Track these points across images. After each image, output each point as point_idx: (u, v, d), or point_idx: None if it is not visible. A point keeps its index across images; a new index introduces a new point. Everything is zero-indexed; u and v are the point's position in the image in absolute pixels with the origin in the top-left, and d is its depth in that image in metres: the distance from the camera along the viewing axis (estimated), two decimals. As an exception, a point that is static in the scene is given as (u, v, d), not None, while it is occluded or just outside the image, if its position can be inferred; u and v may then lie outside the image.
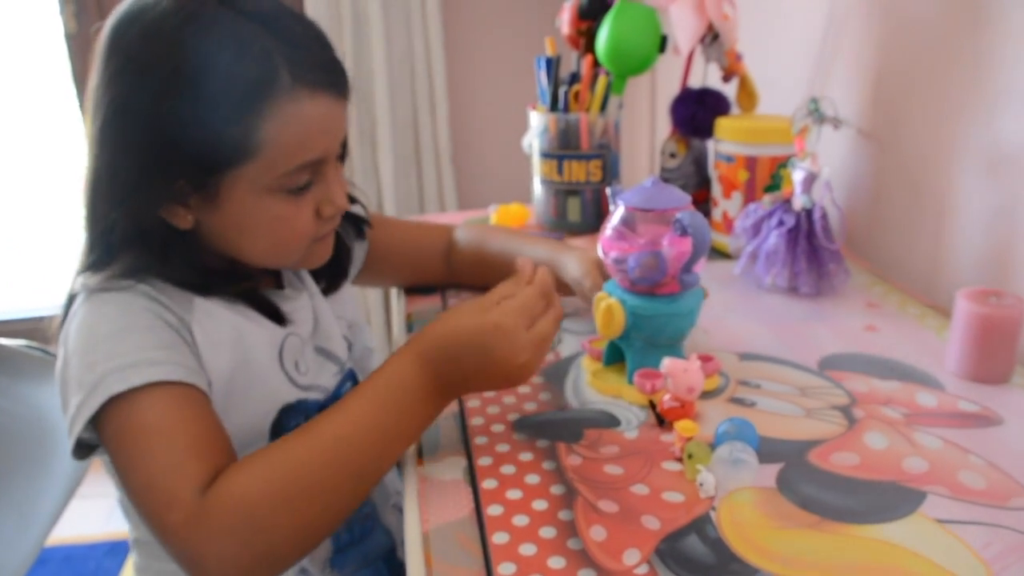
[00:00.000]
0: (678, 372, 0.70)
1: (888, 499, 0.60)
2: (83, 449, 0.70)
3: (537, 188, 1.34)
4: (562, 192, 1.30)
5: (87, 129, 0.70)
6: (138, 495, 0.62)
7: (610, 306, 0.75)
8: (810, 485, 0.62)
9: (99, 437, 0.66)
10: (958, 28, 0.97)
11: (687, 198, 0.75)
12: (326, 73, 0.71)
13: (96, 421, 0.65)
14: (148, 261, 0.71)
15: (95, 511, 2.25)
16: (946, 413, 0.73)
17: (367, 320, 2.46)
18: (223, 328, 0.74)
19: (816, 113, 1.01)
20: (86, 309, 0.69)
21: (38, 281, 2.75)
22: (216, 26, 0.66)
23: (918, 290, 1.04)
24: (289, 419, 0.78)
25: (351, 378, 0.88)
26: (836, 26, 1.22)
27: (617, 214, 0.77)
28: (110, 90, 0.68)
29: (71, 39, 2.35)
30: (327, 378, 0.84)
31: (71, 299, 0.72)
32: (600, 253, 0.80)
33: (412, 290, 1.08)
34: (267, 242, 0.74)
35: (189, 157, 0.67)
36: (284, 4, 0.72)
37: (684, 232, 0.72)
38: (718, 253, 1.18)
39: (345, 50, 2.27)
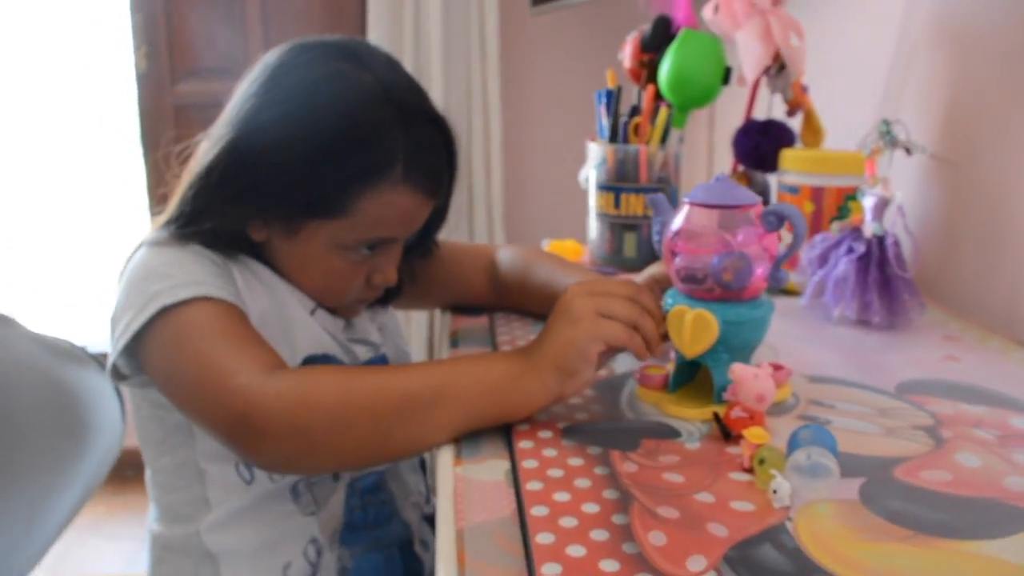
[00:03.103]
0: (748, 378, 0.64)
1: (991, 516, 0.53)
2: (117, 376, 0.77)
3: (592, 222, 1.29)
4: (618, 226, 1.25)
5: (219, 126, 0.78)
6: (198, 375, 0.67)
7: (700, 316, 0.67)
8: (898, 500, 0.55)
9: (143, 356, 0.71)
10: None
11: (757, 196, 0.70)
12: (432, 180, 0.79)
13: (141, 341, 0.70)
14: (213, 243, 0.77)
15: (118, 552, 2.21)
16: (1046, 437, 0.65)
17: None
18: (261, 277, 0.79)
19: (888, 135, 0.96)
20: (144, 253, 0.76)
21: (92, 310, 2.75)
22: (363, 104, 0.74)
23: (1000, 327, 0.96)
24: None
25: (383, 360, 0.89)
26: (905, 56, 1.18)
27: (681, 214, 0.71)
28: (254, 112, 0.75)
29: (142, 78, 2.41)
30: (360, 351, 0.86)
31: (136, 249, 0.78)
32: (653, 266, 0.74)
33: (458, 310, 1.03)
34: (319, 285, 0.81)
35: (293, 198, 0.75)
36: (431, 103, 0.80)
37: (778, 225, 0.67)
38: (782, 291, 1.12)
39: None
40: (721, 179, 0.71)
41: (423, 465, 0.94)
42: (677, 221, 0.71)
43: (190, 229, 0.77)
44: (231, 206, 0.76)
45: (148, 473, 0.83)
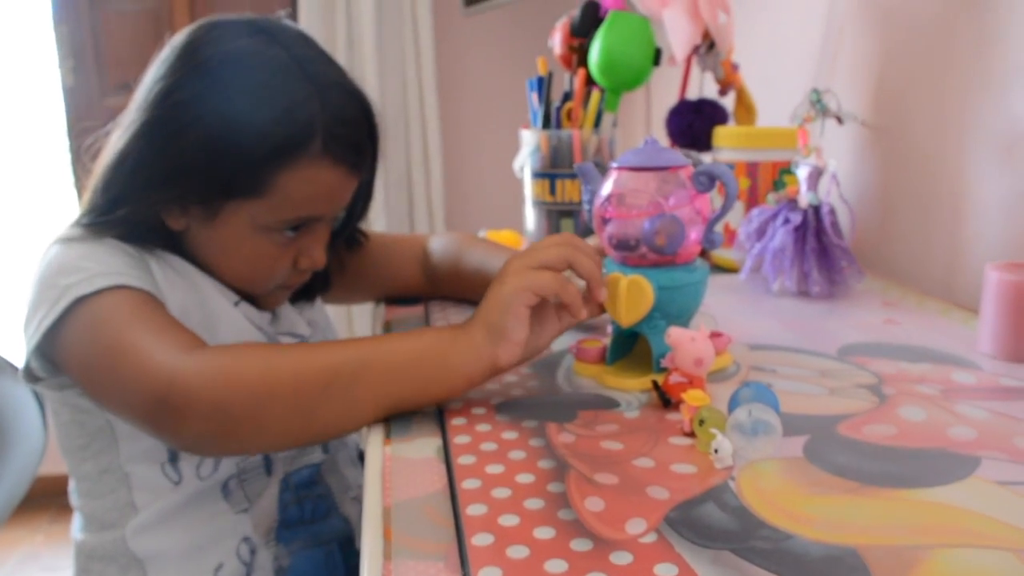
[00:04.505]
0: (685, 342, 0.61)
1: (937, 464, 0.51)
2: (31, 378, 0.73)
3: (529, 211, 1.27)
4: (555, 213, 1.23)
5: (130, 112, 0.74)
6: (114, 360, 0.63)
7: (634, 282, 0.64)
8: (843, 454, 0.53)
9: (59, 352, 0.68)
10: (959, 11, 0.92)
11: (686, 159, 0.68)
12: (354, 153, 0.75)
13: (56, 338, 0.67)
14: (128, 236, 0.74)
15: (62, 585, 2.12)
16: (988, 388, 0.64)
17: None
18: (180, 270, 0.75)
19: (819, 104, 0.95)
20: (55, 249, 0.72)
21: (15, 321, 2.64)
22: (277, 78, 0.71)
23: (938, 293, 0.96)
24: None
25: None
26: (835, 30, 1.18)
27: (611, 180, 0.69)
28: (164, 93, 0.72)
29: (69, 93, 2.33)
30: (287, 343, 0.82)
31: (49, 248, 0.74)
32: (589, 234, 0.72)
33: (393, 301, 0.99)
34: (242, 271, 0.77)
35: (209, 178, 0.71)
36: (347, 76, 0.77)
37: (709, 185, 0.65)
38: (720, 269, 1.11)
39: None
40: (650, 142, 0.69)
41: (362, 458, 0.91)
42: (607, 187, 0.69)
43: (104, 219, 0.73)
44: (146, 192, 0.72)
45: (71, 482, 0.79)
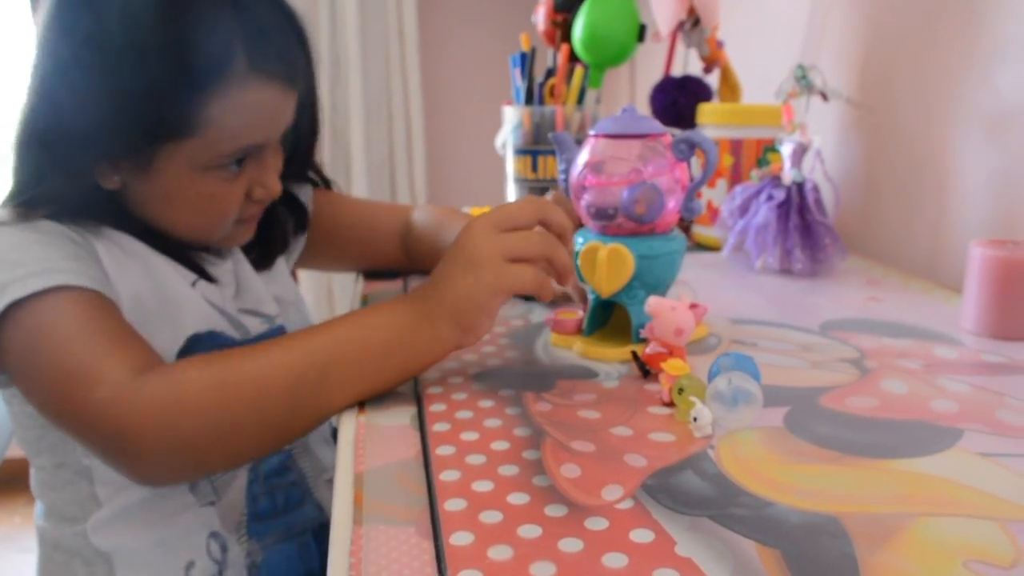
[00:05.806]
0: (665, 311, 0.60)
1: (919, 435, 0.51)
2: None
3: (511, 188, 1.25)
4: (537, 190, 1.22)
5: (33, 67, 0.66)
6: (57, 385, 0.58)
7: (614, 250, 0.63)
8: (824, 425, 0.52)
9: None
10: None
11: (664, 127, 0.67)
12: (284, 64, 0.68)
13: None
14: (66, 209, 0.67)
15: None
16: (970, 363, 0.63)
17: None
18: (131, 251, 0.69)
19: (804, 80, 0.94)
20: None
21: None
22: (183, 0, 0.62)
23: (922, 273, 0.95)
24: (198, 350, 0.70)
25: (279, 333, 0.78)
26: (820, 7, 1.16)
27: (588, 148, 0.68)
28: (65, 39, 0.64)
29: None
30: (252, 324, 0.76)
31: None
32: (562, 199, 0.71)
33: (372, 275, 0.98)
34: (192, 217, 0.71)
35: (131, 124, 0.64)
36: None
37: (689, 153, 0.64)
38: (702, 248, 1.10)
39: (321, 58, 2.25)
40: (628, 110, 0.67)
41: (336, 436, 0.88)
42: (583, 156, 0.67)
43: (32, 194, 0.66)
44: (68, 156, 0.65)
45: (31, 471, 0.74)
